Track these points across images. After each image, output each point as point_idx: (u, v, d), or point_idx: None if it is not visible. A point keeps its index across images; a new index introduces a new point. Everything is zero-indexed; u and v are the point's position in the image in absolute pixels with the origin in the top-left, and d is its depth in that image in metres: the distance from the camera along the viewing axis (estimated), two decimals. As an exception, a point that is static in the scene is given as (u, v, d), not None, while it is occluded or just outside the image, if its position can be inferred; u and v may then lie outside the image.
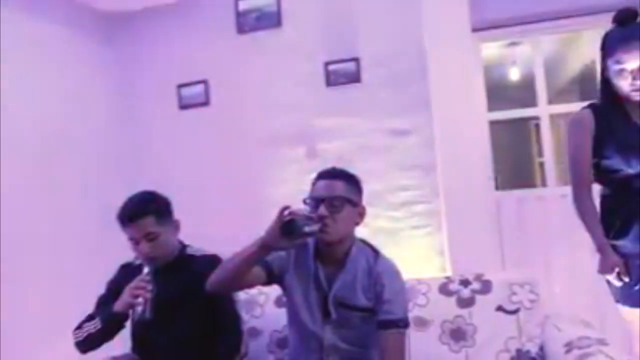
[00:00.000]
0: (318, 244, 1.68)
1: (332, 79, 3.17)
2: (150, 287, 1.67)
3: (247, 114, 3.31)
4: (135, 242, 1.78)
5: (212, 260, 1.83)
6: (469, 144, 2.99)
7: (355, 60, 3.14)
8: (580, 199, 1.92)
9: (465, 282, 1.96)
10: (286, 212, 1.48)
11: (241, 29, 3.33)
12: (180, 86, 3.39)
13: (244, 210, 3.21)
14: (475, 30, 2.97)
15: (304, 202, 1.66)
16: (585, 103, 3.43)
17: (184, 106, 3.40)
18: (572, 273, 2.95)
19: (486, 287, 1.93)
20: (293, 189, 3.15)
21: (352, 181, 1.70)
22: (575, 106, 3.66)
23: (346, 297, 1.63)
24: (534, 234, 3.02)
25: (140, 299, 1.66)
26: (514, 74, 5.04)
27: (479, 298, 1.91)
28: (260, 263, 1.64)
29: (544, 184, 3.32)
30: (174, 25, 3.42)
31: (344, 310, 1.63)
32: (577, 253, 2.95)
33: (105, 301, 1.86)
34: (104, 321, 1.75)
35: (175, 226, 1.89)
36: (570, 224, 2.97)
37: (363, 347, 1.65)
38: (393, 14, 3.10)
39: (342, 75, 3.16)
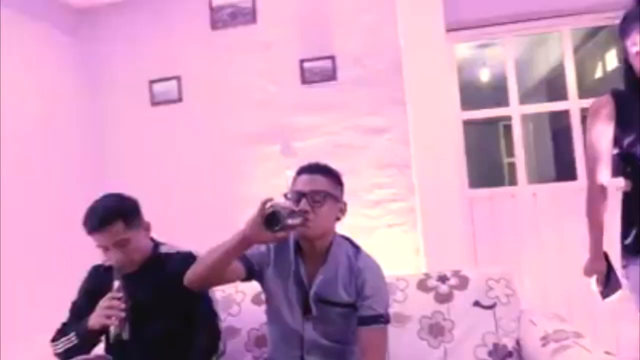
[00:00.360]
0: (298, 239, 1.66)
1: (308, 77, 3.16)
2: (123, 305, 1.59)
3: (221, 111, 3.27)
4: (105, 248, 1.70)
5: (187, 258, 1.78)
6: (444, 143, 3.01)
7: (331, 58, 3.14)
8: (590, 196, 1.82)
9: (443, 278, 1.97)
10: (268, 205, 1.46)
11: (215, 25, 3.29)
12: (153, 82, 3.32)
13: (218, 208, 3.17)
14: (449, 30, 3.01)
15: (285, 196, 1.64)
16: (553, 104, 3.53)
17: (156, 102, 3.33)
18: (541, 269, 3.02)
19: (463, 282, 1.95)
20: (268, 187, 3.13)
21: (333, 176, 1.69)
22: (545, 106, 3.79)
23: (327, 293, 1.62)
24: (505, 231, 3.08)
25: (113, 319, 1.58)
26: (484, 76, 5.13)
27: (456, 294, 1.93)
28: (240, 258, 1.61)
29: (512, 184, 3.39)
30: (146, 20, 3.35)
31: (324, 306, 1.62)
32: (547, 249, 3.03)
33: (80, 307, 1.79)
34: (80, 337, 1.68)
35: (146, 227, 1.82)
36: (540, 221, 3.07)
37: (344, 343, 1.65)
38: (369, 13, 3.11)
39: (318, 73, 3.15)
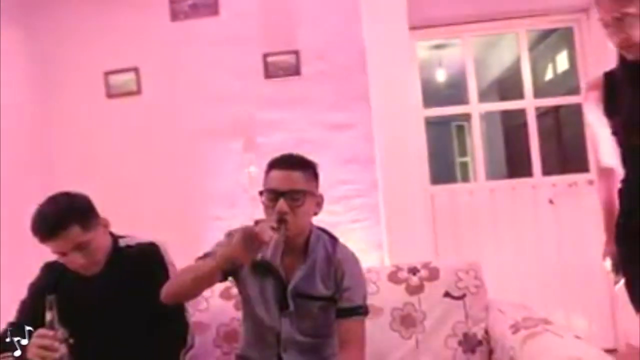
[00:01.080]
0: None
1: (271, 71, 3.13)
2: (56, 344, 1.40)
3: (181, 105, 3.18)
4: (62, 254, 1.57)
5: (151, 249, 1.72)
6: (407, 139, 3.05)
7: (295, 53, 3.12)
8: (597, 180, 1.77)
9: (413, 270, 1.98)
10: (254, 230, 1.39)
11: (175, 16, 3.20)
12: (108, 73, 3.19)
13: (179, 205, 3.09)
14: (412, 28, 3.05)
15: (260, 193, 1.58)
16: (511, 103, 3.62)
17: (112, 95, 3.21)
18: (499, 261, 3.10)
19: (434, 274, 1.97)
20: (231, 182, 3.09)
21: (310, 170, 1.61)
22: (503, 105, 3.89)
23: (306, 288, 1.58)
24: (465, 225, 3.15)
25: None
26: (440, 76, 5.24)
27: (427, 285, 1.95)
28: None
29: (464, 182, 3.48)
30: (102, 8, 3.21)
31: (302, 301, 1.58)
32: (504, 243, 3.13)
33: (29, 307, 1.66)
34: None
35: (104, 224, 1.69)
36: (497, 215, 3.17)
37: (321, 337, 1.62)
38: (333, 8, 3.12)
39: (282, 67, 3.13)
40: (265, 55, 3.12)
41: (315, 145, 3.10)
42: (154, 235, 1.91)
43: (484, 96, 5.14)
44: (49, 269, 1.75)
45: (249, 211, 3.06)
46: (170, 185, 3.13)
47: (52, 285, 1.63)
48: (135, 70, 3.19)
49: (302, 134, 3.11)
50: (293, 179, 1.53)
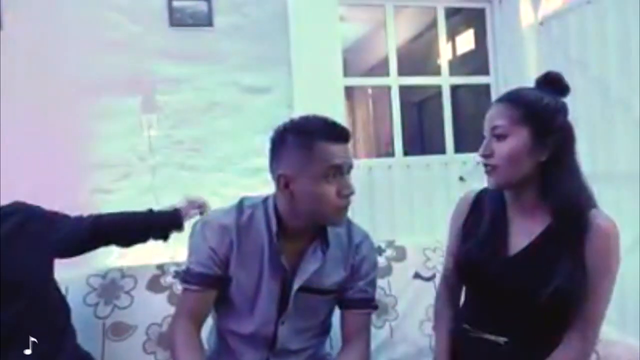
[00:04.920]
0: (282, 219, 1.22)
1: (178, 18, 2.65)
2: None
3: (59, 49, 2.54)
4: None
5: (16, 207, 1.42)
6: (327, 107, 2.79)
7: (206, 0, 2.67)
8: None
9: (378, 250, 1.76)
10: None
11: (52, -64, 2.53)
12: (-47, -1, 2.42)
13: (55, 174, 2.46)
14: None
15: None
16: (428, 78, 3.54)
17: (-41, 28, 2.44)
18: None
19: (401, 254, 1.77)
20: (124, 146, 2.59)
21: None
22: (422, 80, 3.80)
23: (315, 281, 1.25)
24: (382, 199, 3.03)
25: None
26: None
27: (395, 266, 1.75)
28: (204, 284, 1.23)
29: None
30: None
31: (307, 296, 1.25)
32: (418, 216, 3.08)
33: None
34: None
35: None
36: (412, 190, 3.10)
37: (320, 337, 1.34)
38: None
39: (190, 15, 2.66)
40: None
41: (227, 109, 2.73)
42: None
43: (374, 70, 5.12)
44: None
45: (147, 183, 2.59)
46: (42, 149, 2.49)
47: None
48: (-7, -2, 2.46)
49: (212, 95, 2.70)
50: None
